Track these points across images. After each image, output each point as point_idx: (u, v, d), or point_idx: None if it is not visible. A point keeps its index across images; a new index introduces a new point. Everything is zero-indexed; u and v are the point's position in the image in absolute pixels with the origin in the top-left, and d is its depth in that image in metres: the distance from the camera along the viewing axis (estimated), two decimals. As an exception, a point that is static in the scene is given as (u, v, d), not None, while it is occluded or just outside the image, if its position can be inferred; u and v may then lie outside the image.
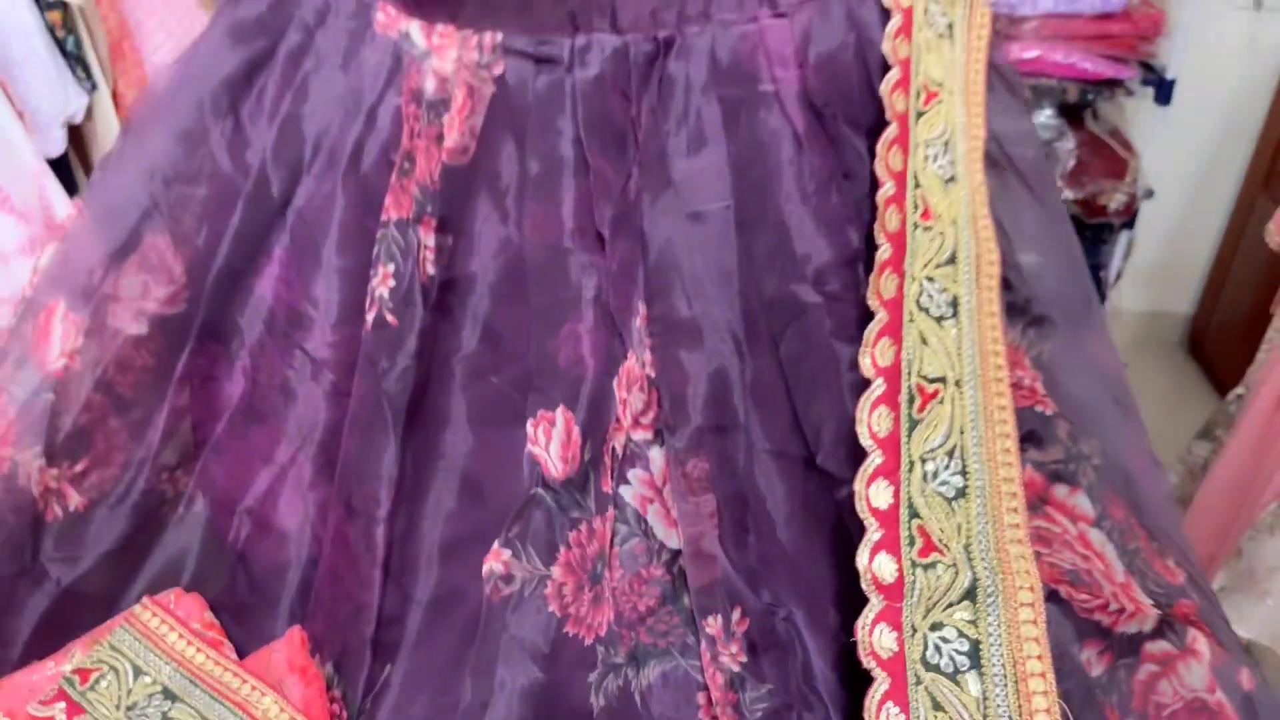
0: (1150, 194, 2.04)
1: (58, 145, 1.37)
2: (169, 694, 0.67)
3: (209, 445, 0.77)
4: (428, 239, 0.75)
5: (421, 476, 0.73)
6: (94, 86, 1.40)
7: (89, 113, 1.41)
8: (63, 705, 0.67)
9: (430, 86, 0.78)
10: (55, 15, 1.33)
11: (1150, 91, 1.95)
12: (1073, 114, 2.00)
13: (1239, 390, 1.38)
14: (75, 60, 1.37)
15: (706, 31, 0.75)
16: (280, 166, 0.78)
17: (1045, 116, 1.92)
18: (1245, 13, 2.17)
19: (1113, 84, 1.88)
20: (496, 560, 0.67)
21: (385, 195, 0.76)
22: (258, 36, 0.79)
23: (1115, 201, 1.96)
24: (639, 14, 0.75)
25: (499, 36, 0.77)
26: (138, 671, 0.68)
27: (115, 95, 1.46)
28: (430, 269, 0.75)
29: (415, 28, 0.78)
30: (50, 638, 0.72)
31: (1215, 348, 2.38)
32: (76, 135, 1.42)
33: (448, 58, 0.78)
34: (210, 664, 0.69)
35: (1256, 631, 1.26)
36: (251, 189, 0.77)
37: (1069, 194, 1.94)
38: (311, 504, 0.75)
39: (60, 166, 1.40)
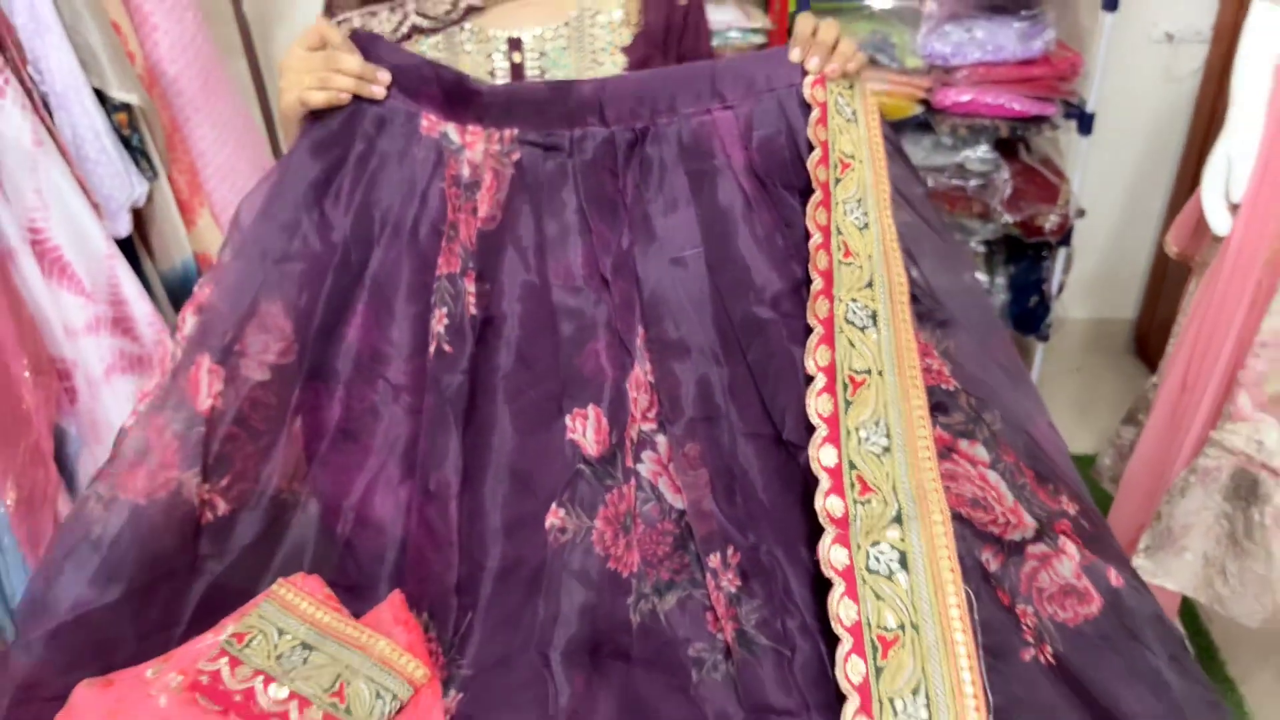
0: (1082, 213, 2.28)
1: (125, 227, 1.58)
2: (307, 645, 0.88)
3: (316, 459, 0.98)
4: (470, 287, 0.98)
5: (479, 470, 0.95)
6: (155, 175, 1.62)
7: (149, 198, 1.62)
8: (226, 660, 0.87)
9: (465, 172, 1.01)
10: (122, 117, 1.55)
11: (1073, 124, 2.20)
12: (1007, 148, 2.25)
13: (1154, 379, 1.60)
14: (139, 153, 1.59)
15: (674, 122, 0.99)
16: (358, 242, 1.01)
17: (982, 151, 2.16)
18: (1159, 45, 2.42)
19: (1039, 120, 2.13)
20: (555, 518, 0.89)
21: (437, 256, 0.99)
22: (333, 147, 1.02)
23: (1050, 222, 2.19)
24: (621, 111, 1.00)
25: (515, 131, 1.01)
26: (281, 631, 0.89)
27: (171, 181, 1.68)
28: (473, 310, 0.97)
29: (451, 128, 1.02)
30: (206, 616, 0.93)
31: (1160, 349, 2.59)
32: (139, 218, 1.63)
33: (477, 150, 1.01)
34: (335, 622, 0.90)
35: (1179, 583, 1.47)
36: (338, 262, 1.00)
37: (1008, 218, 2.18)
38: (399, 499, 0.96)
39: (126, 245, 1.61)
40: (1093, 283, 2.75)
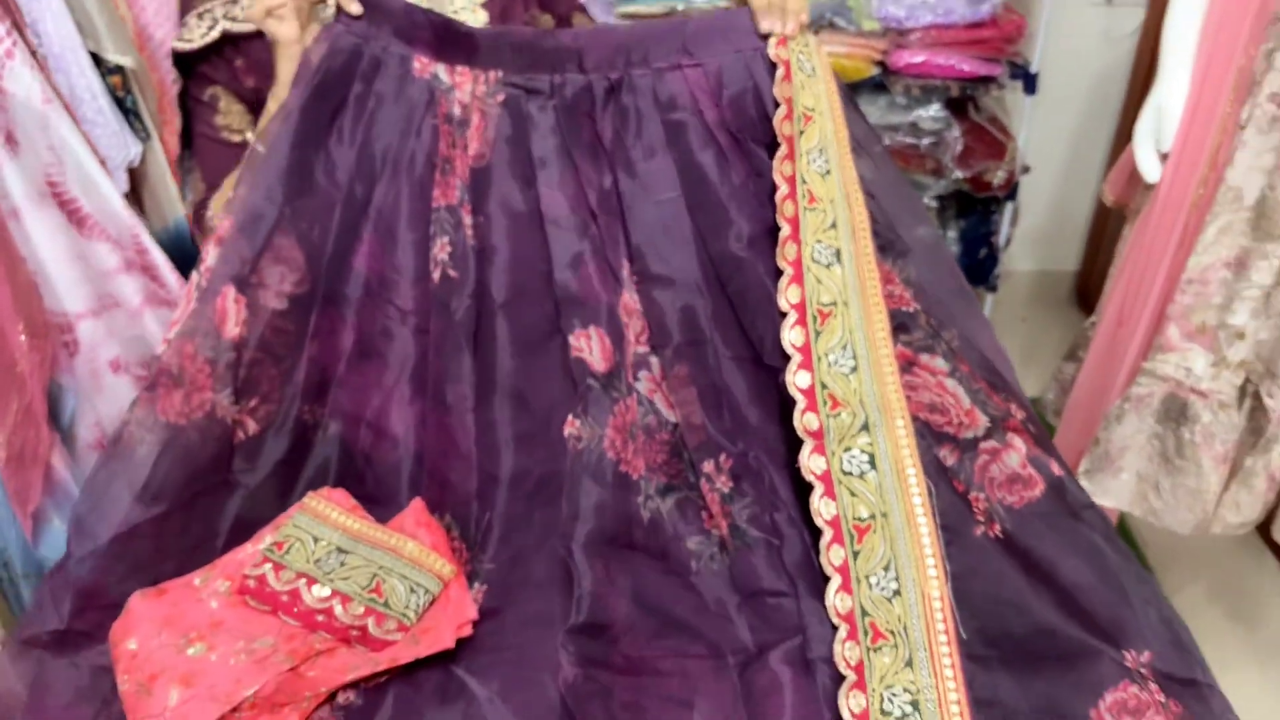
0: (1027, 169, 2.42)
1: (122, 185, 1.63)
2: (341, 550, 0.98)
3: (334, 382, 1.07)
4: (468, 219, 1.07)
5: (486, 389, 1.05)
6: (148, 136, 1.67)
7: (143, 158, 1.68)
8: (269, 565, 0.96)
9: (456, 111, 1.10)
10: (116, 79, 1.60)
11: (1019, 84, 2.32)
12: (957, 107, 2.37)
13: (1093, 319, 1.73)
14: (133, 115, 1.64)
15: (648, 75, 1.09)
16: (361, 177, 1.09)
17: (934, 110, 2.28)
18: (1098, 9, 2.56)
19: (987, 80, 2.25)
20: (571, 428, 1.00)
21: (433, 188, 1.08)
22: (335, 87, 1.10)
23: (997, 178, 2.32)
24: (598, 60, 1.09)
25: (499, 74, 1.09)
26: (316, 539, 0.98)
27: (162, 142, 1.74)
28: (471, 240, 1.07)
29: (441, 69, 1.10)
30: (243, 529, 1.02)
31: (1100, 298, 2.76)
32: (133, 178, 1.69)
33: (465, 90, 1.10)
34: (365, 528, 1.00)
35: (1116, 500, 1.61)
36: (344, 196, 1.08)
37: (959, 173, 2.30)
38: (412, 415, 1.06)
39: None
40: (1038, 236, 2.90)
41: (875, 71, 2.23)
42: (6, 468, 1.51)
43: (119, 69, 1.60)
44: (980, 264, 2.50)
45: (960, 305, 1.07)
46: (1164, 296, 1.50)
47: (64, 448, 1.64)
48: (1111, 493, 1.60)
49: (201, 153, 1.26)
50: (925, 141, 2.30)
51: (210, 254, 1.05)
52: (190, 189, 1.30)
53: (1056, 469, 0.96)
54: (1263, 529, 1.69)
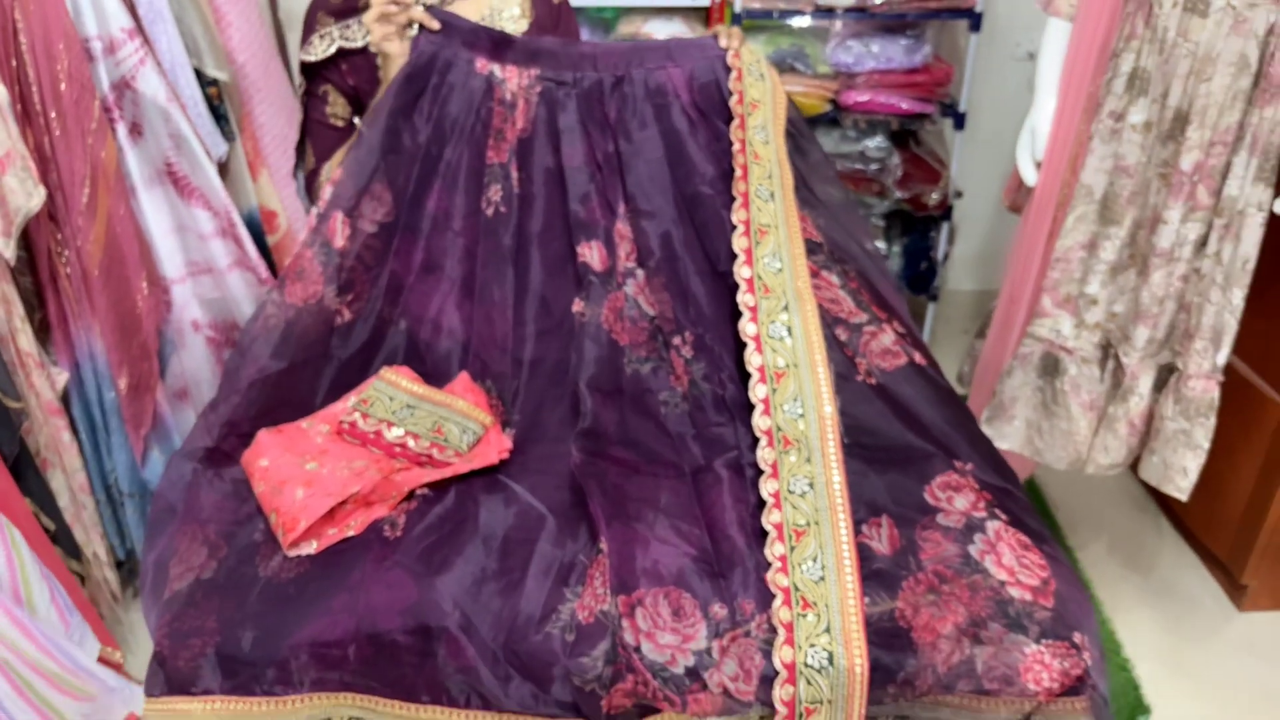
0: (960, 194, 2.84)
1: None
2: (410, 405, 1.35)
3: (406, 289, 1.46)
4: (515, 174, 1.47)
5: (520, 294, 1.44)
6: (233, 137, 2.07)
7: (228, 156, 2.07)
8: (358, 414, 1.34)
9: (508, 96, 1.50)
10: (214, 90, 2.01)
11: (950, 122, 2.75)
12: (899, 139, 2.80)
13: (995, 301, 2.13)
14: (223, 119, 2.04)
15: (642, 73, 1.50)
16: (435, 141, 1.49)
17: (878, 141, 2.71)
18: (1019, 63, 3.00)
19: (922, 116, 2.68)
20: (578, 307, 1.39)
21: (487, 150, 1.47)
22: (418, 79, 1.50)
23: (933, 200, 2.74)
24: (607, 64, 1.51)
25: (537, 71, 1.50)
26: (391, 398, 1.36)
27: (243, 144, 2.13)
28: (517, 188, 1.46)
29: (496, 67, 1.51)
30: (334, 391, 1.41)
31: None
32: (220, 172, 2.08)
33: (513, 82, 1.50)
34: (426, 391, 1.38)
35: (1010, 443, 1.99)
36: (422, 155, 1.48)
37: (899, 194, 2.72)
38: (462, 315, 1.45)
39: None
40: (977, 259, 3.32)
41: (828, 108, 2.66)
42: (125, 395, 1.88)
43: (215, 82, 2.01)
44: (921, 275, 2.90)
45: (862, 252, 1.49)
46: (1041, 275, 1.90)
47: (163, 385, 2.01)
48: (1007, 437, 1.98)
49: (314, 135, 1.65)
50: (871, 167, 2.72)
51: (326, 191, 1.44)
52: (303, 164, 1.70)
53: (919, 359, 1.36)
54: (1142, 476, 2.04)
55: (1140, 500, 2.52)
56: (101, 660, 1.72)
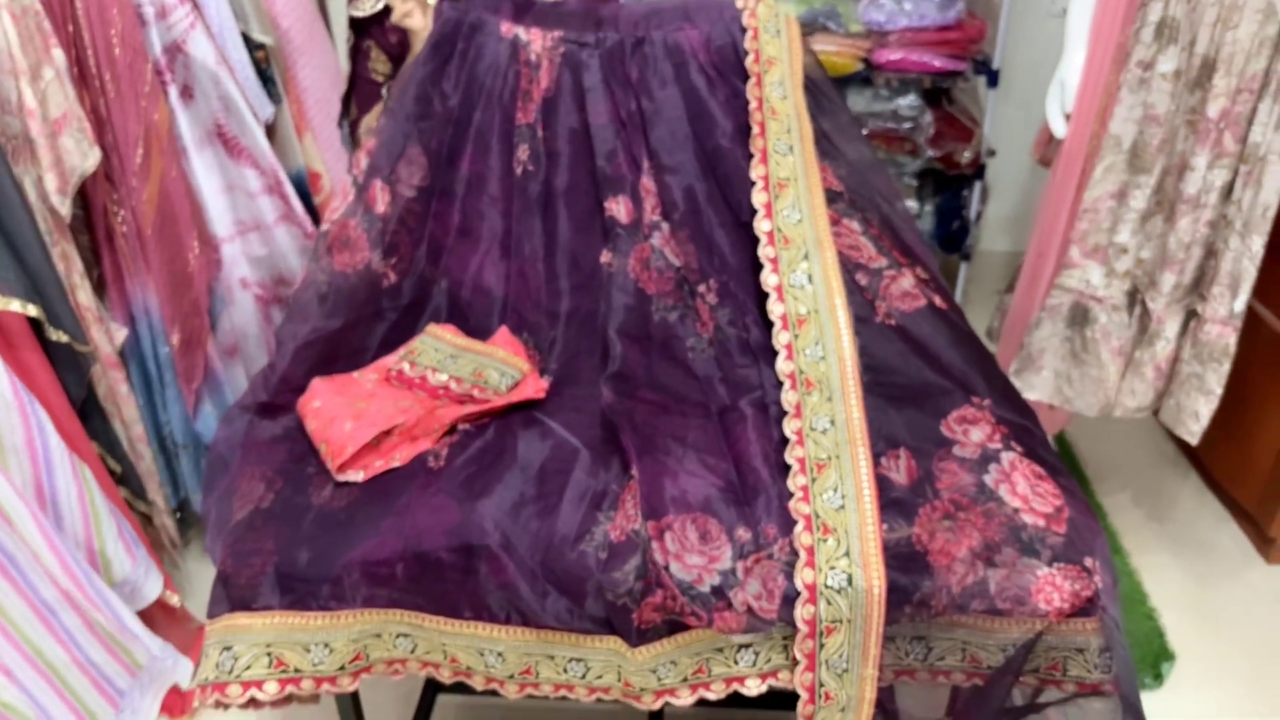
0: (993, 153, 2.84)
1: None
2: (453, 355, 1.42)
3: (445, 250, 1.52)
4: (541, 133, 1.52)
5: (551, 249, 1.49)
6: (280, 100, 2.14)
7: (275, 118, 2.15)
8: (405, 363, 1.41)
9: (533, 58, 1.55)
10: (260, 54, 2.08)
11: (983, 80, 2.76)
12: (932, 97, 2.81)
13: (1025, 255, 2.15)
14: (270, 82, 2.12)
15: (660, 34, 1.54)
16: (464, 105, 1.55)
17: (911, 100, 2.72)
18: (1056, 19, 2.97)
19: (955, 74, 2.68)
20: (605, 258, 1.45)
21: (515, 111, 1.53)
22: (445, 45, 1.55)
23: (965, 158, 2.75)
24: (627, 25, 1.56)
25: (560, 33, 1.55)
26: (435, 350, 1.43)
27: (289, 106, 2.21)
28: (543, 147, 1.51)
29: (520, 30, 1.56)
30: (385, 347, 1.48)
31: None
32: (266, 132, 2.16)
33: (537, 44, 1.55)
34: (468, 343, 1.45)
35: (1039, 393, 2.02)
36: (454, 119, 1.54)
37: (931, 153, 2.73)
38: (500, 272, 1.51)
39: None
40: (1010, 220, 3.32)
41: (860, 67, 2.68)
42: (178, 350, 1.97)
43: (261, 46, 2.08)
44: (953, 234, 2.92)
45: (882, 201, 1.53)
46: (1069, 227, 1.92)
47: (216, 342, 2.09)
48: (1036, 387, 2.01)
49: (357, 89, 1.72)
50: (904, 126, 2.74)
51: (362, 160, 1.51)
52: (348, 114, 1.77)
53: (940, 301, 1.40)
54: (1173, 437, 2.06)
55: (1171, 455, 2.53)
56: (159, 603, 1.83)
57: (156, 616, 1.85)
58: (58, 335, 1.63)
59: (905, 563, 1.16)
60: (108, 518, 1.67)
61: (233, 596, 1.23)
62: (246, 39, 2.04)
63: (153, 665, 1.72)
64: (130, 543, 1.72)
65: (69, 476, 1.61)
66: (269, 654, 1.22)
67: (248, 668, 1.21)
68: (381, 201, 1.49)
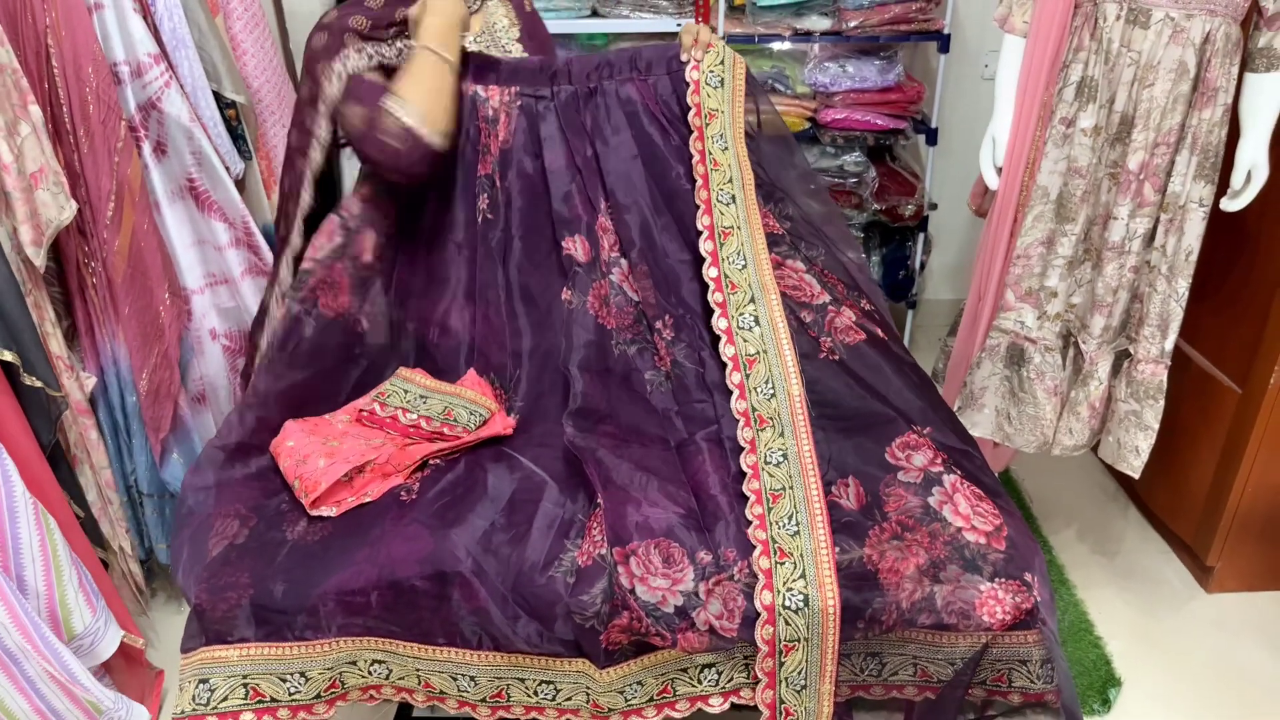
0: (934, 206, 2.98)
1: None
2: (424, 396, 1.48)
3: (414, 296, 1.59)
4: (499, 182, 1.60)
5: (510, 291, 1.56)
6: (250, 157, 2.21)
7: (245, 173, 2.21)
8: (376, 404, 1.46)
9: (490, 113, 1.63)
10: (232, 112, 2.15)
11: (923, 137, 2.90)
12: (875, 154, 2.95)
13: (965, 300, 2.26)
14: (241, 139, 2.18)
15: (613, 84, 1.62)
16: None
17: (855, 156, 2.86)
18: (987, 82, 3.15)
19: (896, 132, 2.83)
20: (566, 295, 1.52)
21: (478, 164, 1.60)
22: None
23: (908, 211, 2.89)
24: (580, 76, 1.64)
25: (517, 88, 1.63)
26: (405, 391, 1.48)
27: (258, 164, 2.27)
28: (501, 197, 1.59)
29: (479, 89, 1.64)
30: (358, 389, 1.53)
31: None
32: (237, 188, 2.22)
33: (495, 100, 1.64)
34: (437, 384, 1.50)
35: (981, 430, 2.12)
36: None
37: (876, 206, 2.86)
38: (465, 318, 1.58)
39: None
40: (953, 269, 3.46)
41: (808, 126, 2.81)
42: (145, 400, 2.00)
43: (233, 104, 2.15)
44: (900, 283, 3.04)
45: (830, 237, 1.63)
46: (1004, 271, 2.03)
47: (186, 392, 2.12)
48: (978, 424, 2.11)
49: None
50: (849, 181, 2.87)
51: (354, 205, 1.57)
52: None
53: (880, 334, 1.50)
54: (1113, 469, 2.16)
55: (1111, 491, 2.64)
56: (123, 647, 1.83)
57: (115, 662, 1.85)
58: (32, 381, 1.66)
59: (857, 582, 1.23)
60: (69, 567, 1.68)
61: (208, 630, 1.26)
62: (218, 97, 2.11)
63: (109, 714, 1.73)
64: (91, 594, 1.73)
65: (31, 525, 1.62)
66: (245, 685, 1.25)
67: (224, 699, 1.24)
68: (369, 251, 1.56)
